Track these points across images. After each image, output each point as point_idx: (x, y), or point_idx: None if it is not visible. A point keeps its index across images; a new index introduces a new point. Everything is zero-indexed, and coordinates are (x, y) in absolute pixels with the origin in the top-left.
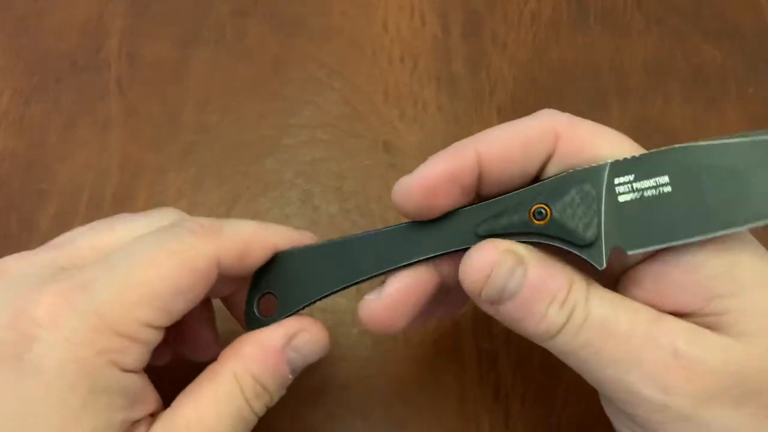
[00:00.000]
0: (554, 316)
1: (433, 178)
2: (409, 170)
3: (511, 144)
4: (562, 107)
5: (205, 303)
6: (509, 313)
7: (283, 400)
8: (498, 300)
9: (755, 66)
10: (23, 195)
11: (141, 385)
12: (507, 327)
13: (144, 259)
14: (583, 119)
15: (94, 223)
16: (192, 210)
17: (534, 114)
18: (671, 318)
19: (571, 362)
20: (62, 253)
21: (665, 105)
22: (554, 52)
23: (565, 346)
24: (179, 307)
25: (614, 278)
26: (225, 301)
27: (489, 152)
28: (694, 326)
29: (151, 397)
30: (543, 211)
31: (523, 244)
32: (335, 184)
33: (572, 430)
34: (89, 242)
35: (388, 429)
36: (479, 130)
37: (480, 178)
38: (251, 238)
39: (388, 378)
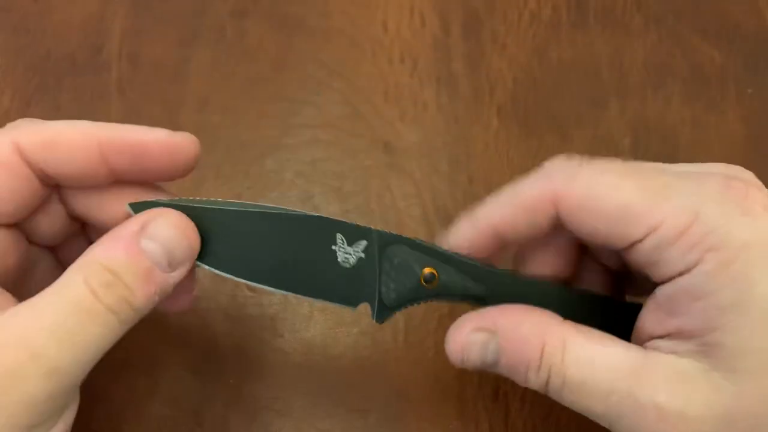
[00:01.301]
0: (533, 380)
1: (464, 248)
2: (409, 170)
3: (516, 217)
4: (562, 107)
5: None
6: (501, 372)
7: (283, 400)
8: (485, 368)
9: (755, 66)
10: None
11: None
12: None
13: None
14: (582, 167)
15: None
16: None
17: (534, 175)
18: (656, 363)
19: None
20: None
21: (665, 105)
22: (554, 52)
23: (557, 399)
24: None
25: (648, 291)
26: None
27: (501, 226)
28: (679, 371)
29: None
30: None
31: (498, 307)
32: (335, 184)
33: (572, 430)
34: None
35: (387, 428)
36: (479, 130)
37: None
38: (62, 126)
39: (388, 377)
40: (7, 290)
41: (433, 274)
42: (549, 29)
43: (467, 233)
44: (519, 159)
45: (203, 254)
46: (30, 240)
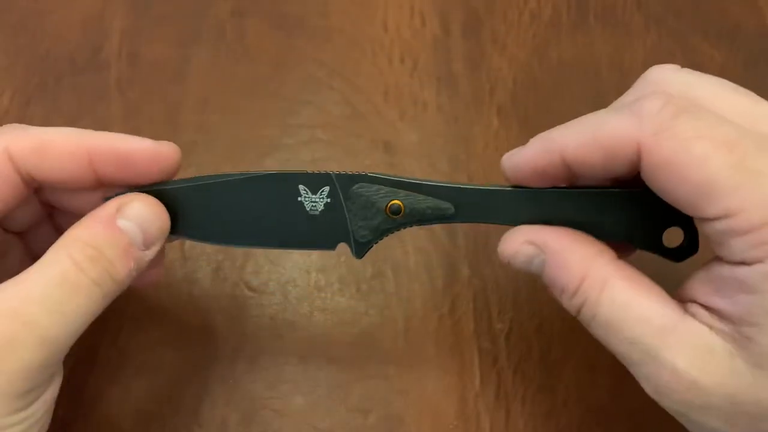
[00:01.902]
0: (566, 304)
1: (524, 171)
2: (408, 170)
3: (592, 154)
4: (562, 107)
5: None
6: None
7: (283, 400)
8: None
9: (755, 66)
10: None
11: None
12: (508, 327)
13: None
14: (680, 119)
15: None
16: None
17: (627, 108)
18: (687, 328)
19: None
20: None
21: None
22: (554, 51)
23: (585, 326)
24: None
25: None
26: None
27: (574, 158)
28: (707, 344)
29: None
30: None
31: (553, 228)
32: None
33: (572, 430)
34: None
35: (387, 428)
36: (479, 131)
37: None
38: (53, 134)
39: (388, 377)
40: None
41: (398, 205)
42: (549, 29)
43: (535, 155)
44: None
45: (178, 228)
46: (3, 228)
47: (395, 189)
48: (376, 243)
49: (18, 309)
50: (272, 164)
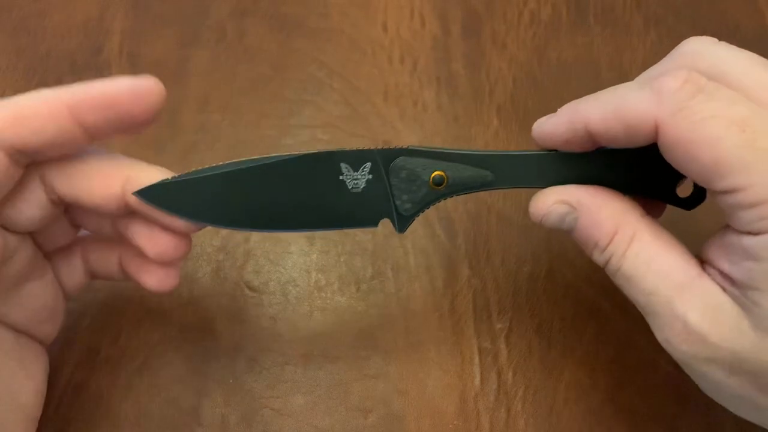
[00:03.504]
0: (596, 258)
1: (553, 139)
2: None
3: (614, 127)
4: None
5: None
6: (573, 238)
7: (283, 399)
8: (561, 231)
9: None
10: None
11: None
12: (508, 327)
13: None
14: (697, 100)
15: None
16: None
17: (649, 84)
18: (702, 286)
19: None
20: None
21: None
22: (554, 51)
23: (611, 277)
24: None
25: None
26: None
27: (597, 129)
28: (718, 303)
29: None
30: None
31: (585, 187)
32: None
33: (572, 430)
34: None
35: (387, 428)
36: (479, 131)
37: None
38: (26, 100)
39: (388, 377)
40: None
41: (441, 176)
42: (549, 29)
43: (562, 125)
44: None
45: (215, 217)
46: (8, 228)
47: (436, 160)
48: (418, 216)
49: None
50: None
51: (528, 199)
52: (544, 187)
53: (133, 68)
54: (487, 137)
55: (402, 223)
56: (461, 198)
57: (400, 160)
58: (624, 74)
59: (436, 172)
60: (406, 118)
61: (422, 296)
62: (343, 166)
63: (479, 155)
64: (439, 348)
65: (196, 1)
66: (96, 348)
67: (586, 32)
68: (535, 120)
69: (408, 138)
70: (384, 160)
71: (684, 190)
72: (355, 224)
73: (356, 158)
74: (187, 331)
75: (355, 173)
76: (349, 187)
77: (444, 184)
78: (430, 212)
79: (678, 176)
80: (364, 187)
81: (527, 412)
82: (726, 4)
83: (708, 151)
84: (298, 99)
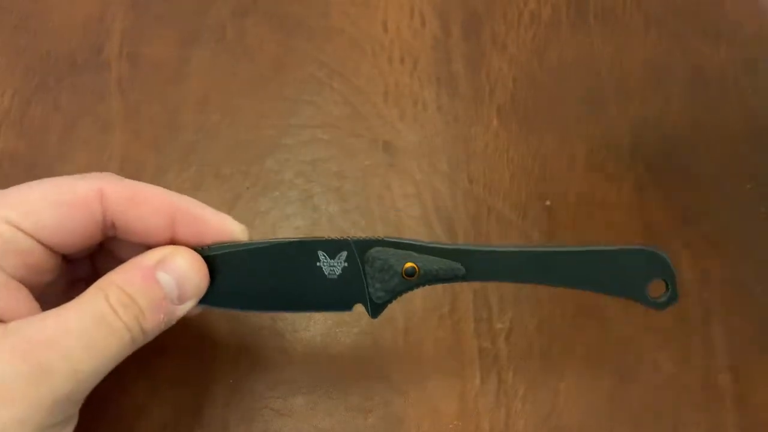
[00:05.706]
0: None
1: None
2: (409, 170)
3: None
4: (562, 107)
5: None
6: None
7: (283, 400)
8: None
9: (755, 66)
10: None
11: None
12: (508, 326)
13: (30, 185)
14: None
15: None
16: None
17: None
18: None
19: None
20: None
21: (665, 105)
22: (554, 52)
23: None
24: (49, 220)
25: None
26: None
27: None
28: None
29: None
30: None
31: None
32: (335, 184)
33: (572, 430)
34: None
35: (387, 428)
36: (479, 131)
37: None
38: (144, 187)
39: (387, 377)
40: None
41: (413, 267)
42: (549, 29)
43: None
44: (519, 159)
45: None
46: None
47: (409, 252)
48: (390, 303)
49: (56, 340)
50: (272, 164)
51: (528, 199)
52: (516, 283)
53: (133, 68)
54: (487, 137)
55: (375, 309)
56: (461, 198)
57: (375, 251)
58: (624, 74)
59: (408, 264)
60: (406, 118)
61: (422, 296)
62: (320, 253)
63: (451, 249)
64: (439, 348)
65: (196, 1)
66: None
67: (586, 32)
68: (535, 120)
69: (408, 138)
70: (359, 249)
71: (655, 291)
72: (330, 308)
73: (334, 247)
74: (187, 331)
75: (332, 261)
76: (326, 274)
77: (416, 275)
78: (430, 212)
79: (647, 276)
80: (339, 274)
81: (527, 412)
82: (726, 4)
83: None
84: (298, 99)
